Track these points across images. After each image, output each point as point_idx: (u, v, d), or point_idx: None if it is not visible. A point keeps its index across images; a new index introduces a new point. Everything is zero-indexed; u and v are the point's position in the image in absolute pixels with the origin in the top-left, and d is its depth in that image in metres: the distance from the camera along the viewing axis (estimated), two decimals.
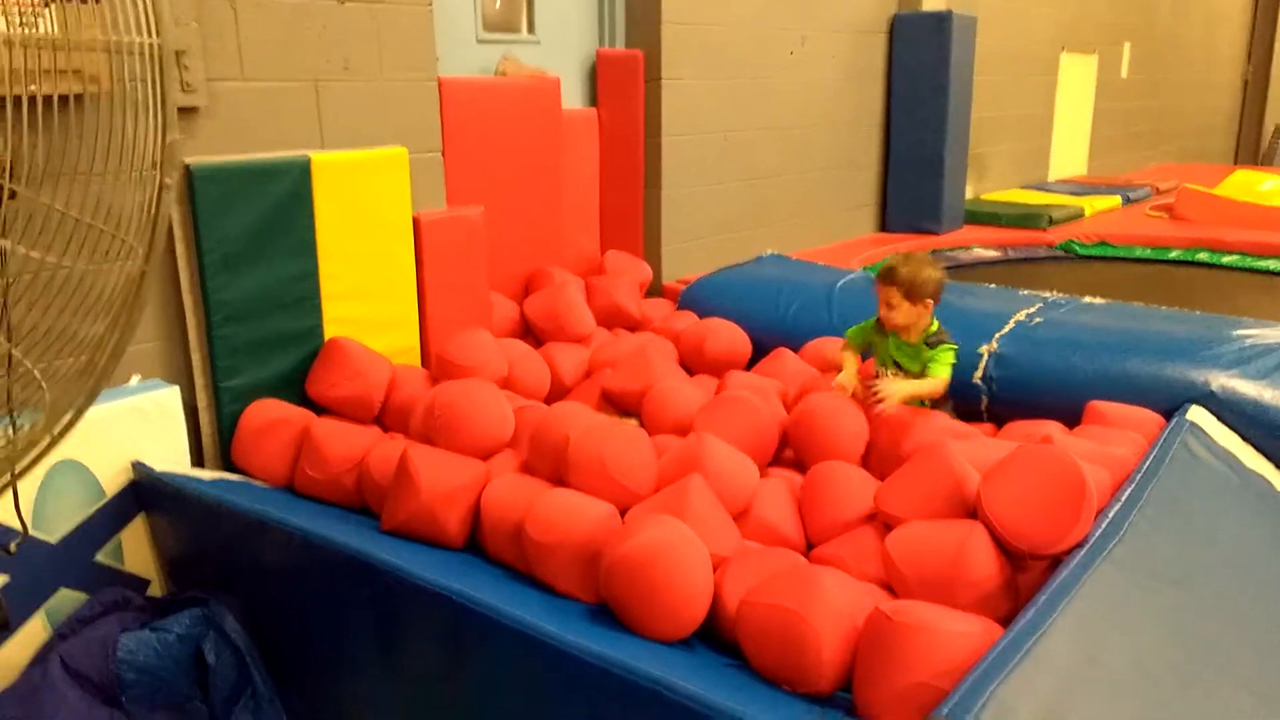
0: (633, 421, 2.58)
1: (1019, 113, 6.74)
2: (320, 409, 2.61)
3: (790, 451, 2.50)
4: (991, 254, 5.22)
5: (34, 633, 2.07)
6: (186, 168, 2.39)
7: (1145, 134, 9.07)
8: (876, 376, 2.67)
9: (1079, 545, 1.74)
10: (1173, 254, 5.16)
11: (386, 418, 2.66)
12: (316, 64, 2.68)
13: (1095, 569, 1.67)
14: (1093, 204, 6.01)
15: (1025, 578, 1.80)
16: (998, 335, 2.83)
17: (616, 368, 2.93)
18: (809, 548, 2.12)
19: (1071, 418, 2.49)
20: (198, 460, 2.50)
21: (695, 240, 4.19)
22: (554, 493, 2.03)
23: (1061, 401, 2.57)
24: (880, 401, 2.36)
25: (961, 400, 2.70)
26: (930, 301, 2.51)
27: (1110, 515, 1.84)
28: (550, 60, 3.76)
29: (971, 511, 1.89)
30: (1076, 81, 7.46)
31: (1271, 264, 4.83)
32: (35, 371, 1.58)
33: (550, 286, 3.47)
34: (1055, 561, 1.75)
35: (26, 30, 1.44)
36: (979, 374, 2.75)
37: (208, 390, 2.52)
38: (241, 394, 2.54)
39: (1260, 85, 11.35)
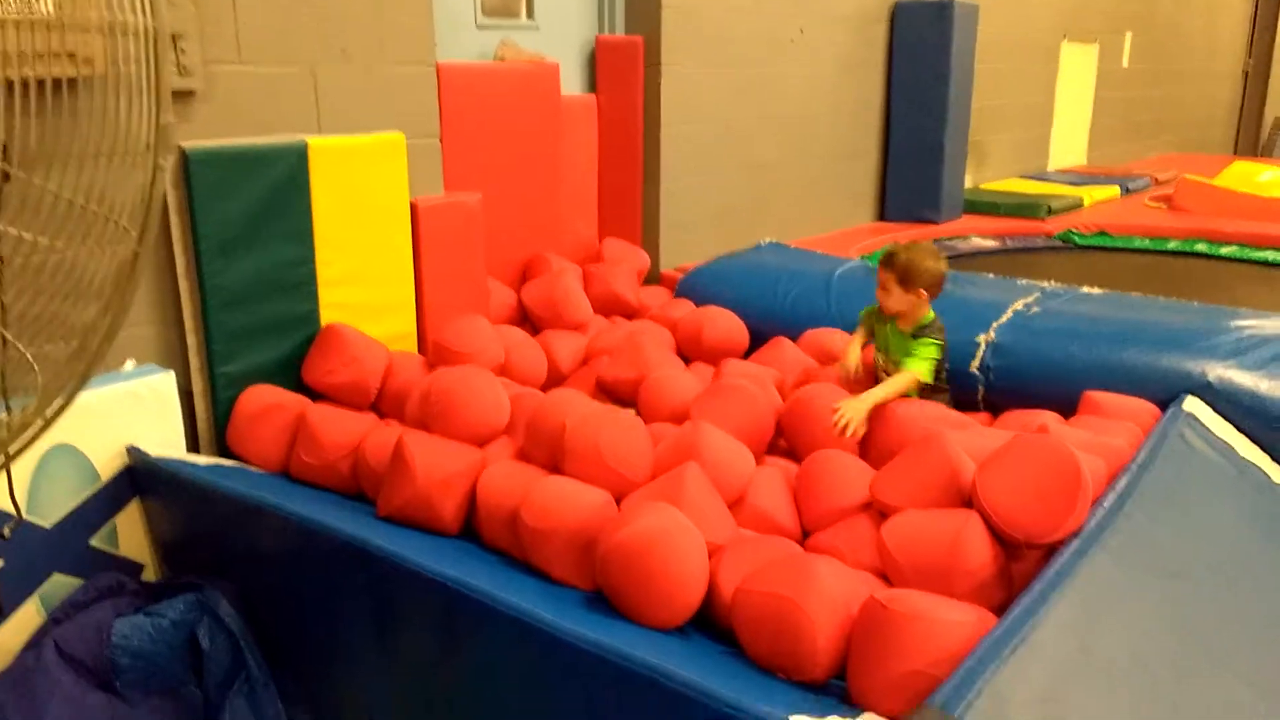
0: (630, 413, 2.58)
1: (1019, 102, 6.72)
2: (316, 395, 2.61)
3: (782, 440, 2.49)
4: (990, 243, 5.21)
5: (28, 617, 2.06)
6: (183, 152, 2.37)
7: (1145, 124, 9.05)
8: (876, 364, 2.69)
9: (1074, 535, 1.74)
10: (1171, 245, 5.15)
11: (383, 404, 2.66)
12: (314, 48, 2.66)
13: (1090, 558, 1.67)
14: (1092, 194, 6.00)
15: (1020, 567, 1.80)
16: (995, 324, 2.82)
17: (613, 355, 2.93)
18: (804, 536, 2.12)
19: (1068, 408, 2.49)
20: (193, 445, 2.50)
21: (693, 228, 4.18)
22: (550, 480, 2.02)
23: (1058, 391, 2.57)
24: (844, 429, 2.31)
25: (958, 389, 2.70)
26: (924, 292, 2.52)
27: (1105, 505, 1.84)
28: (549, 46, 3.74)
29: (967, 501, 1.89)
30: (1077, 71, 7.44)
31: (1270, 255, 4.83)
32: (28, 355, 1.58)
33: (548, 274, 3.46)
34: (1050, 551, 1.75)
35: (21, 12, 1.43)
36: (976, 363, 2.75)
37: (203, 375, 2.52)
38: (237, 379, 2.54)
39: (1260, 76, 11.33)
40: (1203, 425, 2.32)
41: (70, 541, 2.16)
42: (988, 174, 6.47)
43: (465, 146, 3.21)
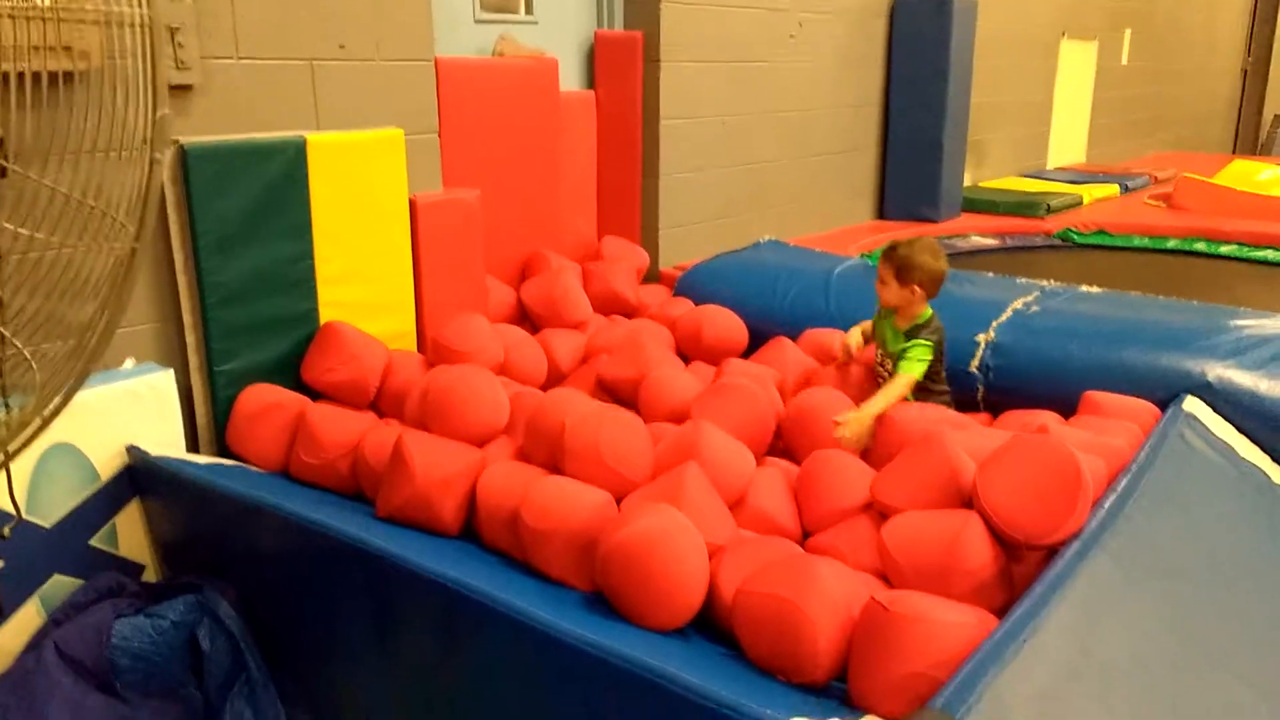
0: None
1: (1018, 99, 6.71)
2: (315, 393, 2.60)
3: (781, 441, 2.49)
4: (989, 242, 5.20)
5: (28, 618, 2.06)
6: (181, 147, 2.36)
7: (1144, 122, 9.04)
8: (876, 359, 2.69)
9: (1074, 536, 1.74)
10: (1170, 243, 5.15)
11: (382, 403, 2.65)
12: (313, 43, 2.65)
13: (1091, 560, 1.67)
14: (1091, 192, 5.99)
15: (1020, 569, 1.80)
16: (995, 324, 2.82)
17: (613, 354, 2.92)
18: (805, 537, 2.12)
19: (1068, 407, 2.49)
20: (193, 445, 2.49)
21: (693, 226, 4.17)
22: (549, 480, 2.02)
23: (1058, 391, 2.57)
24: (844, 441, 2.30)
25: (958, 389, 2.70)
26: (918, 289, 2.52)
27: (1106, 506, 1.84)
28: (548, 41, 3.73)
29: (967, 501, 1.89)
30: (1076, 68, 7.43)
31: (1269, 254, 4.83)
32: (25, 352, 1.57)
33: (547, 272, 3.46)
34: (1051, 552, 1.75)
35: (17, 5, 1.43)
36: (975, 363, 2.75)
37: (202, 374, 2.51)
38: (236, 378, 2.53)
39: (1260, 74, 11.33)
40: (1203, 425, 2.32)
41: (70, 542, 2.15)
42: (987, 172, 6.47)
43: (464, 143, 3.20)
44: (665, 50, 3.87)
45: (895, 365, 2.56)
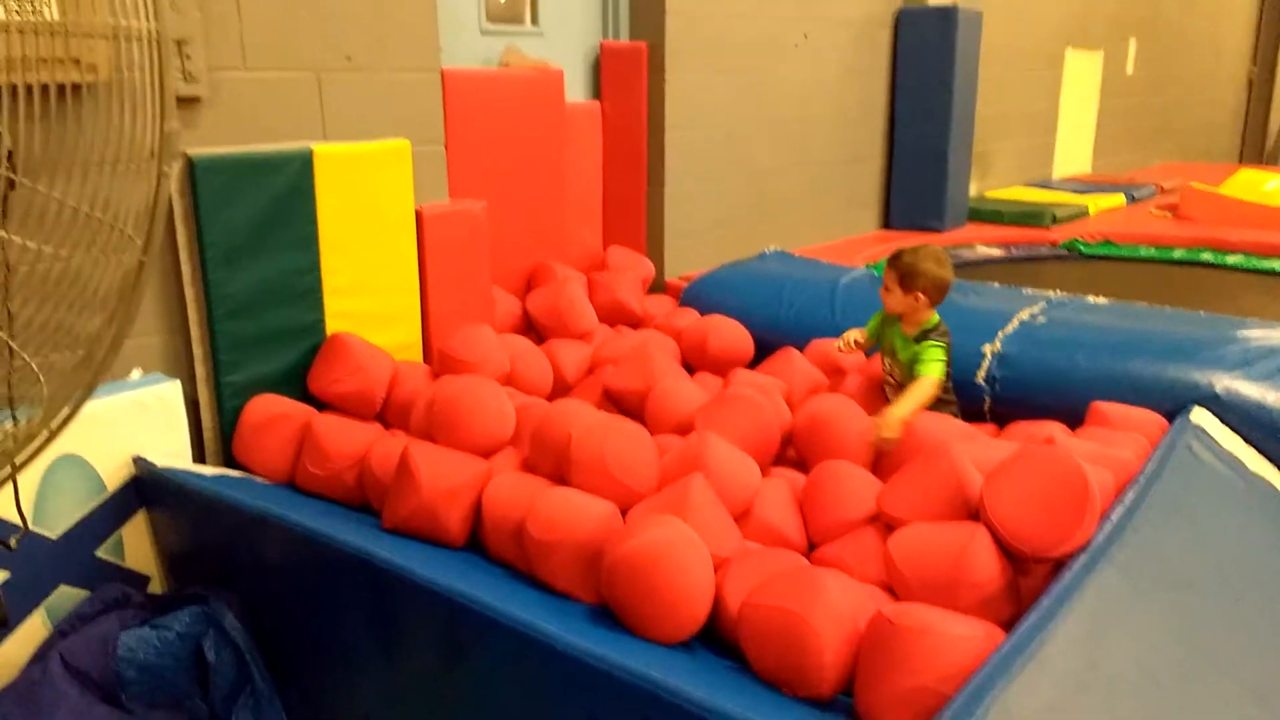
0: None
1: (1023, 109, 6.71)
2: (322, 404, 2.61)
3: (793, 451, 2.49)
4: (995, 252, 5.20)
5: (34, 630, 2.06)
6: (189, 159, 2.38)
7: (1150, 131, 9.03)
8: (884, 367, 2.69)
9: (1082, 548, 1.73)
10: (1177, 254, 5.14)
11: (388, 414, 2.66)
12: (319, 54, 2.66)
13: (1098, 573, 1.66)
14: (1097, 202, 5.99)
15: (1027, 582, 1.79)
16: (1001, 334, 2.82)
17: (618, 365, 2.92)
18: (810, 548, 2.11)
19: (1075, 418, 2.48)
20: (199, 455, 2.49)
21: (698, 236, 4.18)
22: (555, 491, 2.02)
23: (1065, 402, 2.56)
24: (884, 442, 2.31)
25: (965, 400, 2.69)
26: (922, 295, 2.53)
27: (1113, 518, 1.83)
28: (554, 52, 3.74)
29: (974, 513, 1.88)
30: (1082, 78, 7.43)
31: (1276, 264, 4.81)
32: (33, 365, 1.57)
33: (552, 282, 3.46)
34: (1058, 565, 1.74)
35: (24, 17, 1.43)
36: (982, 374, 2.75)
37: (209, 384, 2.52)
38: (243, 389, 2.54)
39: (1266, 84, 11.31)
40: (1210, 437, 2.31)
41: (76, 553, 2.15)
42: (992, 182, 6.46)
43: (470, 153, 3.21)
44: (670, 61, 3.88)
45: (906, 372, 2.56)
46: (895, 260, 2.60)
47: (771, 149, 4.53)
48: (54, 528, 2.11)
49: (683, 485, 1.97)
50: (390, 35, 2.82)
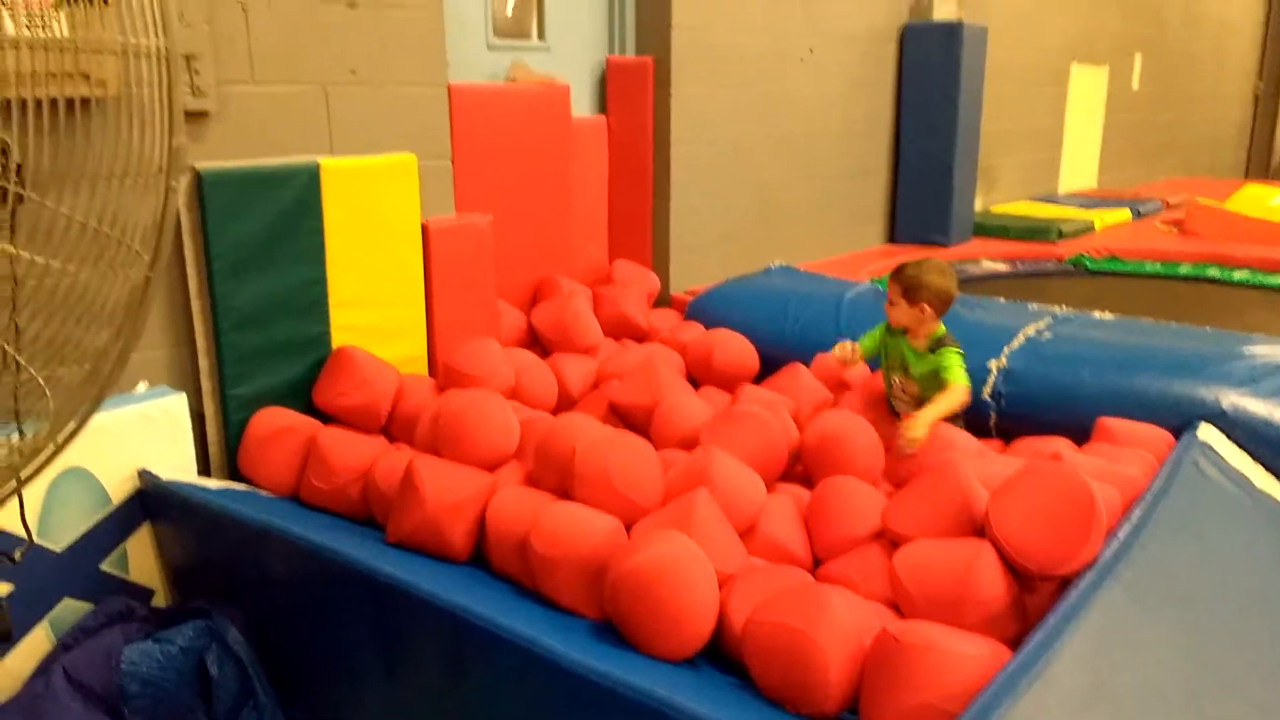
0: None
1: (1029, 124, 6.72)
2: (327, 418, 2.61)
3: (800, 467, 2.48)
4: (1000, 267, 5.20)
5: (37, 643, 2.06)
6: (196, 173, 2.39)
7: (1155, 147, 9.03)
8: (889, 383, 2.69)
9: (1088, 566, 1.72)
10: (1183, 269, 5.13)
11: (393, 427, 2.66)
12: (326, 69, 2.68)
13: (1105, 590, 1.65)
14: (1102, 218, 5.98)
15: (1033, 599, 1.79)
16: (1007, 350, 2.81)
17: (623, 380, 2.92)
18: (816, 564, 2.10)
19: (1081, 434, 2.47)
20: (204, 468, 2.50)
21: (703, 250, 4.18)
22: (559, 506, 2.01)
23: (1071, 418, 2.56)
24: (910, 443, 2.32)
25: (970, 416, 2.68)
26: (927, 308, 2.53)
27: (1120, 536, 1.82)
28: (560, 67, 3.76)
29: (980, 530, 1.88)
30: (1087, 93, 7.44)
31: None
32: (39, 379, 1.58)
33: (558, 296, 3.46)
34: (1064, 582, 1.73)
35: (35, 33, 1.44)
36: (988, 389, 2.74)
37: (215, 398, 2.52)
38: (248, 402, 2.54)
39: (1271, 99, 11.31)
40: (1216, 454, 2.30)
41: (81, 566, 2.15)
42: (998, 197, 6.46)
43: (476, 168, 3.22)
44: (676, 75, 3.89)
45: (923, 386, 2.56)
46: (899, 274, 2.60)
47: (777, 163, 4.54)
48: (58, 541, 2.11)
49: (687, 500, 1.96)
50: (397, 50, 2.83)
